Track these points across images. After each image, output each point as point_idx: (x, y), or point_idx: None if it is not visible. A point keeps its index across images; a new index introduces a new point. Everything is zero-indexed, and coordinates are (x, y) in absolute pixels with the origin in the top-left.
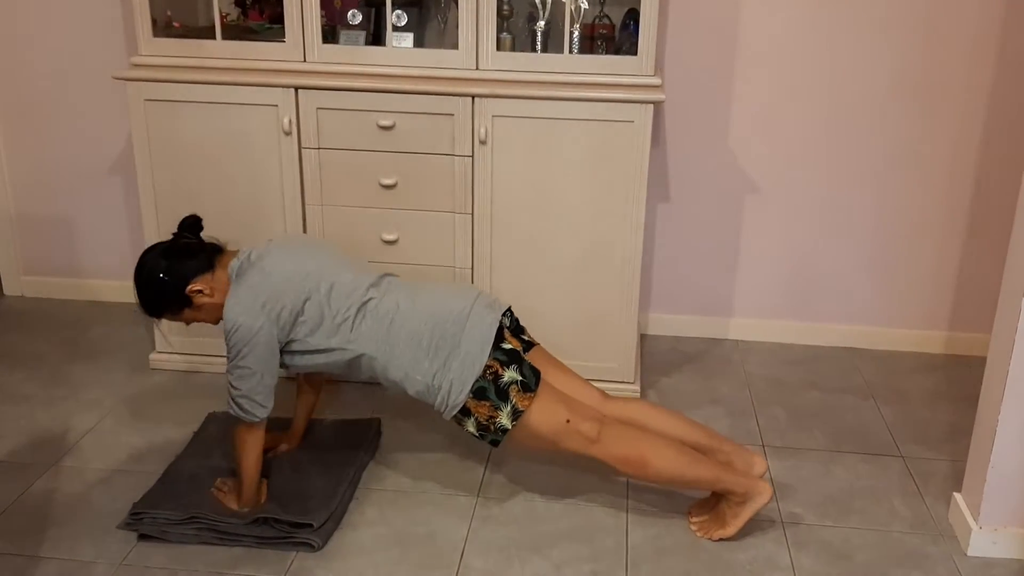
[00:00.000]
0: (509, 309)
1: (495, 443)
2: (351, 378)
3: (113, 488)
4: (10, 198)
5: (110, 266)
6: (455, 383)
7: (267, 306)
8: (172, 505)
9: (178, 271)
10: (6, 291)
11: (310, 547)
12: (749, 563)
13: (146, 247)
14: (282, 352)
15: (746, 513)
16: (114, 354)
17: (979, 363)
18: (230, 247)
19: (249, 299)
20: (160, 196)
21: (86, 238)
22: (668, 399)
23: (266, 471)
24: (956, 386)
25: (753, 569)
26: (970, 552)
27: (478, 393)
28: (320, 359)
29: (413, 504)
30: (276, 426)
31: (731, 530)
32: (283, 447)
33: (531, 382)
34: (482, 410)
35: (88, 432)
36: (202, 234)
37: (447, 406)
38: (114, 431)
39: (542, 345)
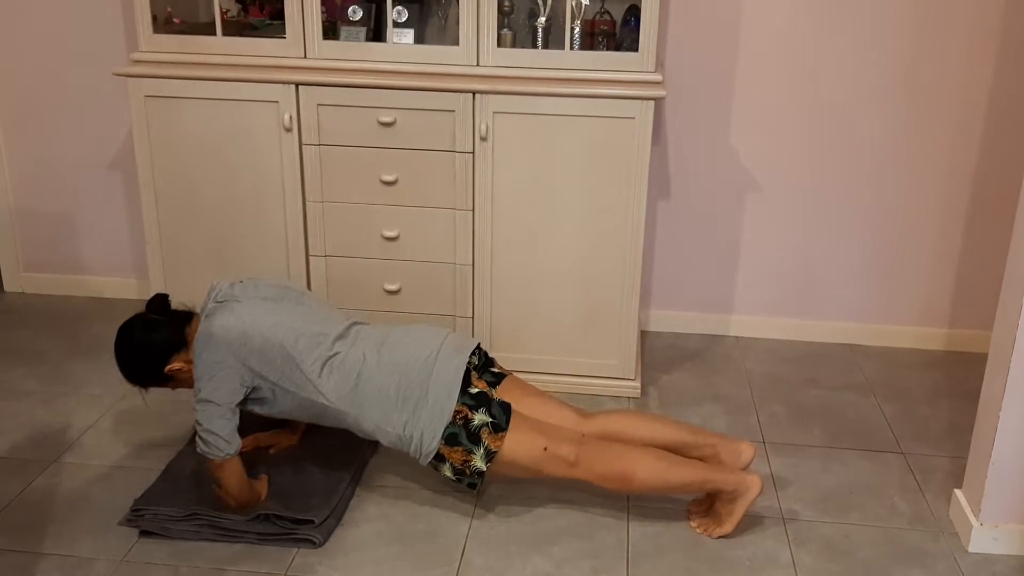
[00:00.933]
0: (478, 347)
1: (472, 486)
2: (322, 424)
3: (114, 484)
4: (10, 194)
5: (111, 262)
6: (426, 432)
7: (234, 345)
8: (173, 501)
9: (154, 352)
10: (6, 287)
11: (311, 543)
12: (749, 559)
13: (121, 325)
14: (250, 400)
15: (739, 509)
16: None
17: (979, 359)
18: (197, 310)
19: (218, 335)
20: (160, 192)
21: (87, 234)
22: (668, 396)
23: (267, 468)
24: (956, 382)
25: (754, 566)
26: (971, 548)
27: (450, 439)
28: (287, 405)
29: (414, 501)
30: (277, 423)
31: (728, 527)
32: (285, 443)
33: (501, 422)
34: (456, 455)
35: (89, 428)
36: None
37: (421, 454)
38: (114, 428)
39: (514, 375)
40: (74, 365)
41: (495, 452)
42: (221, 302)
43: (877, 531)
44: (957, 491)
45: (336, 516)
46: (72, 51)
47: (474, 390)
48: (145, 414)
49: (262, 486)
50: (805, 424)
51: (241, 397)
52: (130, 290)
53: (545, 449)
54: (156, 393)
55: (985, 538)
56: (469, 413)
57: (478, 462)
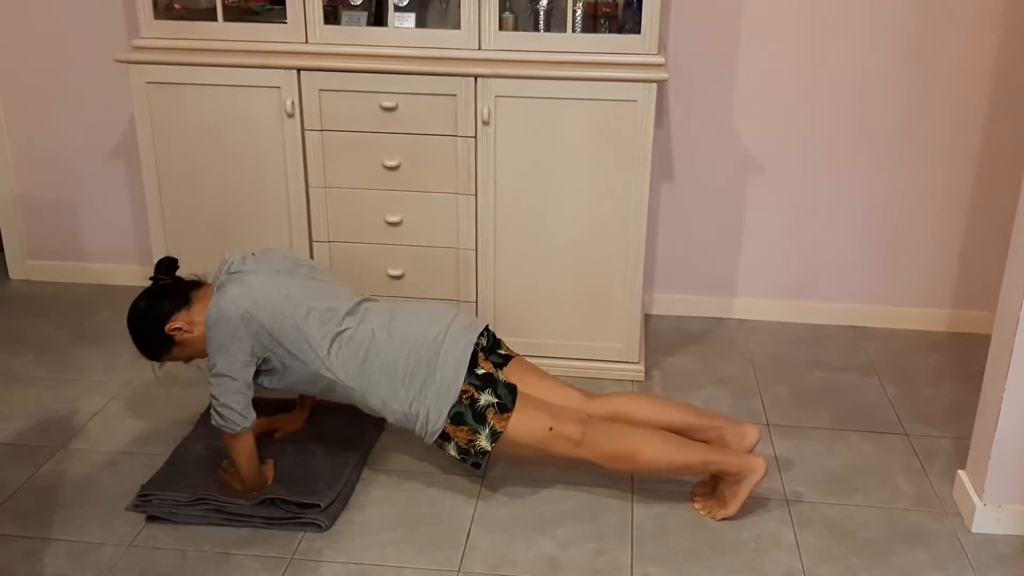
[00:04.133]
0: (486, 328)
1: (476, 465)
2: (330, 399)
3: (120, 470)
4: (14, 182)
5: (115, 249)
6: (432, 410)
7: (245, 317)
8: (180, 487)
9: (154, 314)
10: (12, 275)
11: (317, 527)
12: (753, 541)
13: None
14: (260, 372)
15: (743, 491)
16: (120, 337)
17: (983, 341)
18: (209, 279)
19: (229, 308)
20: (163, 179)
21: (90, 221)
22: (672, 379)
23: (272, 453)
24: (960, 364)
25: (757, 547)
26: (974, 529)
27: (455, 419)
28: (296, 377)
29: (419, 484)
30: (282, 408)
31: (732, 509)
32: (290, 428)
33: (507, 402)
34: (461, 435)
35: (95, 415)
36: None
37: (427, 432)
38: (121, 414)
39: (520, 356)
40: (80, 352)
41: (500, 432)
42: (233, 273)
43: (880, 512)
44: (960, 472)
45: (342, 500)
46: (73, 38)
47: (481, 371)
48: (151, 400)
49: (268, 471)
50: (808, 406)
51: (254, 370)
52: (134, 277)
53: (551, 429)
54: (162, 375)
55: (988, 518)
56: (475, 393)
57: (483, 442)
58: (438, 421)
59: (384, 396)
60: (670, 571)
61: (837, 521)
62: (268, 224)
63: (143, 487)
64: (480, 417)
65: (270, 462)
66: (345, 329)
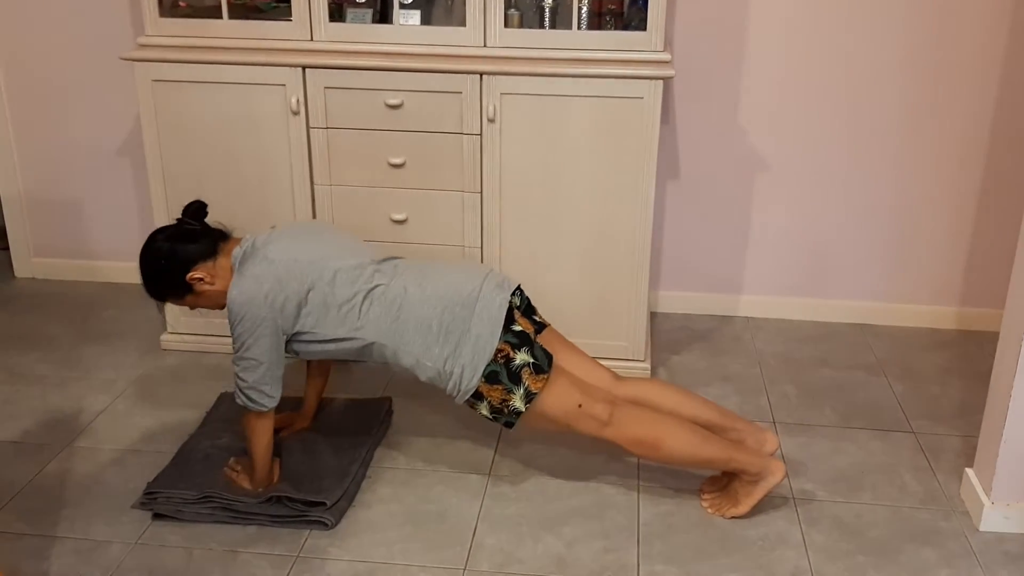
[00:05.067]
0: (519, 288)
1: (509, 424)
2: (364, 360)
3: (127, 468)
4: (20, 180)
5: (120, 247)
6: (467, 368)
7: (270, 296)
8: (186, 484)
9: (179, 258)
10: (17, 273)
11: (323, 525)
12: (761, 540)
13: (153, 230)
14: (291, 341)
15: (759, 492)
16: (126, 335)
17: (991, 339)
18: (236, 234)
19: (252, 289)
20: (169, 177)
21: (96, 219)
22: (678, 377)
23: (278, 451)
24: (968, 362)
25: (765, 546)
26: (982, 528)
27: (490, 377)
28: (330, 347)
29: (425, 483)
30: (288, 406)
31: (743, 508)
32: (296, 426)
33: (543, 364)
34: (495, 394)
35: (101, 413)
36: (209, 220)
37: (459, 391)
38: (127, 412)
39: (553, 326)
40: (86, 350)
41: (535, 394)
42: (255, 251)
43: (888, 510)
44: (968, 470)
45: (348, 498)
46: (79, 36)
47: (517, 328)
48: (157, 398)
49: (274, 469)
50: (816, 404)
51: (282, 346)
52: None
53: (580, 406)
54: (167, 372)
55: (996, 517)
56: (511, 352)
57: (517, 402)
58: (472, 379)
59: (417, 354)
60: (677, 569)
61: (844, 519)
62: (273, 222)
63: (149, 485)
64: (515, 377)
65: (276, 460)
66: (377, 286)
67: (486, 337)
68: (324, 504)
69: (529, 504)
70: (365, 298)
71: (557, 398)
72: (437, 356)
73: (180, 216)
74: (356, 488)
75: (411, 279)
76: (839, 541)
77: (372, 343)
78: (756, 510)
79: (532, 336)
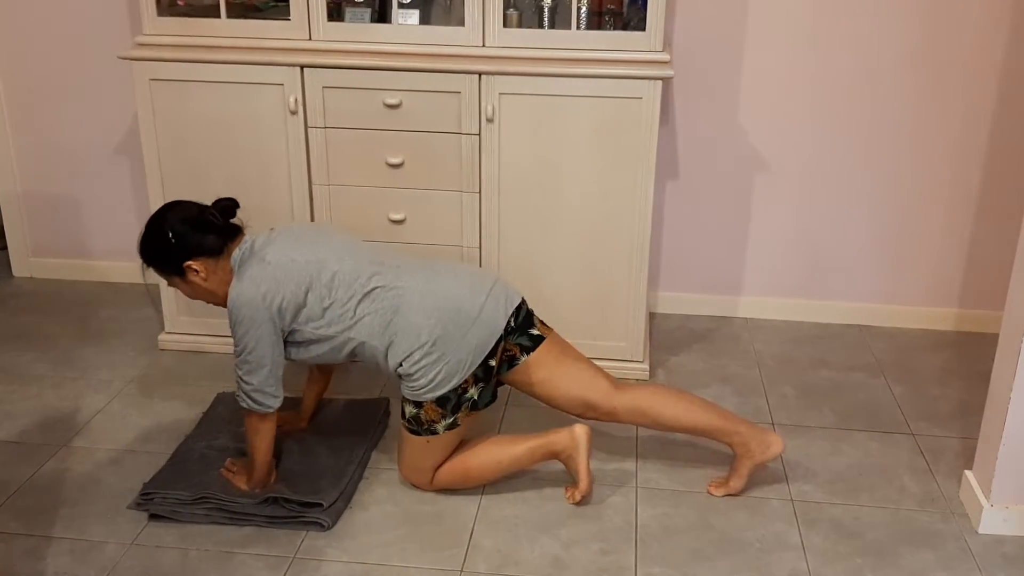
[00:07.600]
0: (522, 302)
1: (415, 433)
2: (357, 361)
3: (123, 468)
4: (17, 180)
5: (118, 247)
6: (433, 384)
7: (267, 297)
8: (182, 485)
9: (186, 243)
10: (15, 272)
11: (320, 526)
12: (759, 541)
13: (180, 200)
14: (286, 343)
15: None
16: (123, 335)
17: (990, 340)
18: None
19: (250, 291)
20: (167, 176)
21: (94, 219)
22: (677, 377)
23: (275, 452)
24: (967, 363)
25: (763, 547)
26: (981, 530)
27: (440, 400)
28: (323, 348)
29: None
30: (286, 406)
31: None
32: (293, 427)
33: (480, 403)
34: (432, 412)
35: (98, 413)
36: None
37: (410, 391)
38: (124, 412)
39: (555, 331)
40: (83, 349)
41: (457, 426)
42: (253, 253)
43: (887, 512)
44: (967, 472)
45: (345, 499)
46: (77, 35)
47: (492, 362)
48: (154, 399)
49: (271, 471)
50: (814, 405)
51: (282, 347)
52: (137, 275)
53: (430, 469)
54: (164, 372)
55: (995, 519)
56: (470, 384)
57: (440, 427)
58: (430, 394)
59: (400, 356)
60: (674, 571)
61: (843, 521)
62: (271, 221)
63: (146, 485)
64: (457, 407)
65: (272, 460)
66: (374, 288)
67: (466, 366)
68: (321, 505)
69: (526, 505)
70: (361, 301)
71: (456, 437)
72: (415, 361)
73: (211, 205)
74: (353, 489)
75: (412, 285)
76: (837, 543)
77: (363, 343)
78: (753, 512)
79: (494, 373)
